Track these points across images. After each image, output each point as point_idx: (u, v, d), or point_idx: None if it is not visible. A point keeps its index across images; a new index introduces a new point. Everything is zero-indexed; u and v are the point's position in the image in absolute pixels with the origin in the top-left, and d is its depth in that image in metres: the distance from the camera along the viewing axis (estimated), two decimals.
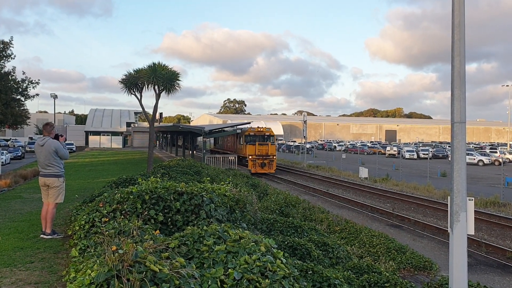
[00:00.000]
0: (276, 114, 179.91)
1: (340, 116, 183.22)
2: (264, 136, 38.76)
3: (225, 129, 41.91)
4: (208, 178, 8.38)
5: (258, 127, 40.06)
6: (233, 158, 38.04)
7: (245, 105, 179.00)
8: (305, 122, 54.04)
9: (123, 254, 3.33)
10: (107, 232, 5.03)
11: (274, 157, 38.29)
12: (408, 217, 20.15)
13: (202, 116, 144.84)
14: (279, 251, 4.29)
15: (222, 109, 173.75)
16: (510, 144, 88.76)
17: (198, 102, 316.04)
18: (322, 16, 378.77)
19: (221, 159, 37.60)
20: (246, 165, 37.96)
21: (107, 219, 6.02)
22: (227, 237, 4.39)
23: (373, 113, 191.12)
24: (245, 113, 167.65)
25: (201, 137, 37.06)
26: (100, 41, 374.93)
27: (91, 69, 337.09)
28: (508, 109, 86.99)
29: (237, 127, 42.59)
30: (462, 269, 6.63)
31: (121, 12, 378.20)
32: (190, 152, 45.52)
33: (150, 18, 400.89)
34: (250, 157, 37.07)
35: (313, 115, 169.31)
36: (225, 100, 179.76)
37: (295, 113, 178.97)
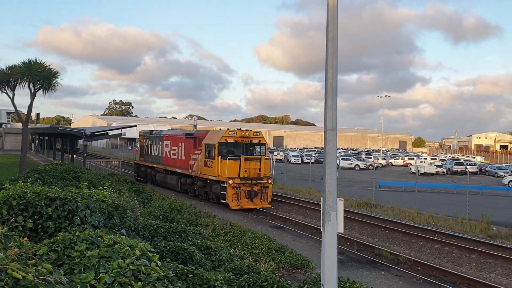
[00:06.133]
0: (166, 117, 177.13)
1: (231, 121, 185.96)
2: (251, 146, 24.18)
3: (110, 132, 39.97)
4: (85, 183, 8.03)
5: (240, 129, 23.98)
6: (117, 162, 36.07)
7: (132, 107, 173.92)
8: (195, 126, 53.96)
9: None
10: None
11: (270, 181, 23.46)
12: (290, 219, 21.19)
13: (85, 117, 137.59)
14: (155, 254, 4.31)
15: (107, 111, 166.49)
16: (383, 151, 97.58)
17: (80, 102, 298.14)
18: (211, 18, 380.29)
19: (103, 164, 35.79)
20: (219, 197, 22.90)
21: None
22: (101, 243, 4.29)
23: (262, 119, 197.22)
24: (132, 116, 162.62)
25: (82, 140, 34.95)
26: None
27: None
28: (382, 118, 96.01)
29: (123, 129, 40.59)
30: (332, 264, 7.19)
31: None
32: (70, 156, 42.88)
33: (21, 7, 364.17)
34: (230, 181, 21.99)
35: (204, 119, 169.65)
36: (111, 101, 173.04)
37: (186, 116, 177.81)
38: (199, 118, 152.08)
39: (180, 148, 27.97)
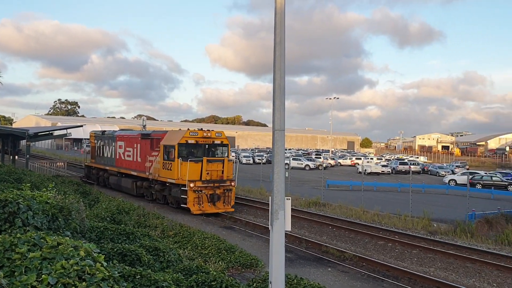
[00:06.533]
0: (114, 117, 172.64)
1: (182, 121, 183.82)
2: (213, 146, 23.04)
3: (54, 132, 38.47)
4: (28, 185, 7.79)
5: (201, 129, 22.85)
6: (62, 164, 34.71)
7: (79, 107, 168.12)
8: (144, 126, 53.01)
9: None
10: None
11: (233, 183, 22.57)
12: (240, 219, 21.33)
13: (27, 117, 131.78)
14: (100, 255, 4.28)
15: (52, 110, 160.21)
16: (332, 151, 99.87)
17: (22, 101, 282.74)
18: (161, 16, 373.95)
19: (48, 165, 34.38)
20: (179, 201, 21.94)
21: None
22: (44, 244, 4.21)
23: (214, 119, 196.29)
24: (78, 115, 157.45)
25: (25, 140, 33.44)
26: None
27: None
28: (331, 119, 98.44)
29: (69, 130, 39.09)
30: (280, 262, 7.34)
31: None
32: (11, 158, 40.94)
33: None
34: (191, 185, 20.75)
35: (154, 119, 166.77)
36: (56, 101, 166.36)
37: (135, 117, 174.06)
38: (149, 118, 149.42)
39: (135, 149, 26.52)
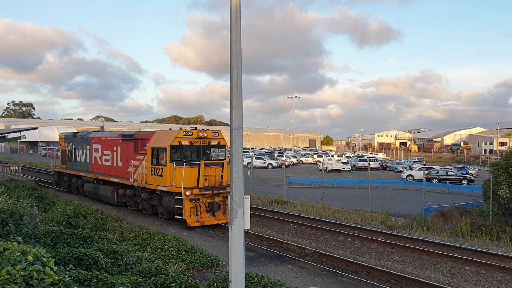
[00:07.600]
0: (71, 119, 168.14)
1: (142, 122, 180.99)
2: (208, 148, 20.60)
3: (7, 135, 37.04)
4: None
5: (196, 128, 20.59)
6: (16, 167, 33.39)
7: (34, 109, 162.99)
8: (102, 128, 51.88)
9: None
10: None
11: None
12: None
13: None
14: (50, 259, 4.17)
15: (5, 113, 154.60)
16: (294, 149, 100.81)
17: None
18: (119, 15, 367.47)
19: (0, 169, 33.08)
20: (172, 212, 19.76)
21: None
22: None
23: (175, 120, 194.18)
24: (34, 117, 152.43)
25: None
26: None
27: None
28: (293, 118, 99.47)
29: (22, 132, 37.39)
30: (239, 260, 7.38)
31: None
32: None
33: None
34: (187, 193, 18.25)
35: (113, 120, 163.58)
36: (9, 103, 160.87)
37: (93, 118, 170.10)
38: (108, 119, 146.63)
39: (115, 152, 23.71)
